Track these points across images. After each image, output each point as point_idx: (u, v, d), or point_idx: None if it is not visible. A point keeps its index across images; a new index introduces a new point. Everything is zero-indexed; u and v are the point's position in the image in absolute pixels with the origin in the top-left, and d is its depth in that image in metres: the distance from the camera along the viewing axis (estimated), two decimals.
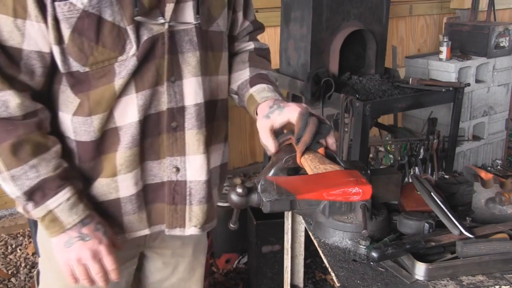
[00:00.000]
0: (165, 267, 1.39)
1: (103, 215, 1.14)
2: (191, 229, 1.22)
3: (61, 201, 1.04)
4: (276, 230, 2.36)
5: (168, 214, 1.20)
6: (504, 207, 1.23)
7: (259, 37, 1.41)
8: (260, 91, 1.22)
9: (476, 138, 3.85)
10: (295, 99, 2.99)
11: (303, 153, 1.13)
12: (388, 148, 3.32)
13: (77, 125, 1.08)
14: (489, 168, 3.89)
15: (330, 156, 1.13)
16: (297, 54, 2.72)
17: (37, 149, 1.02)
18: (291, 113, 1.12)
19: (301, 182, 1.04)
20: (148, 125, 1.11)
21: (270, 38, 3.45)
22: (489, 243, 1.02)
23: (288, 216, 1.46)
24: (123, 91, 1.06)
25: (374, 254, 0.98)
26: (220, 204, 2.73)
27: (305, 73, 2.62)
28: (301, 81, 2.66)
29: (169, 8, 1.05)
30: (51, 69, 1.05)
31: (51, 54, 1.03)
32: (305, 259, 1.55)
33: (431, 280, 0.98)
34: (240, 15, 1.31)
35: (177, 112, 1.12)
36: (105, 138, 1.09)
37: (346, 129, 2.46)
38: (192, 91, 1.12)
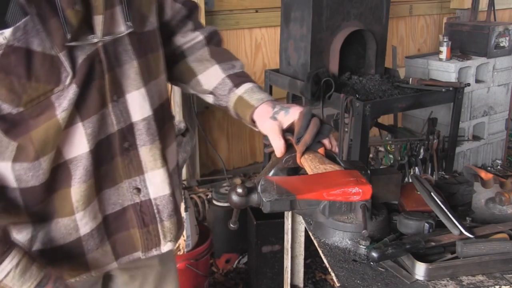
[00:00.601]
0: (133, 280, 1.29)
1: (64, 259, 1.05)
2: (167, 245, 1.16)
3: (9, 269, 0.90)
4: (276, 230, 2.36)
5: (141, 238, 1.12)
6: (504, 207, 1.23)
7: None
8: (250, 92, 1.16)
9: (476, 138, 3.85)
10: (295, 99, 2.99)
11: (303, 153, 1.13)
12: (388, 148, 3.32)
13: (22, 172, 0.95)
14: (489, 168, 3.89)
15: (330, 156, 1.13)
16: (297, 54, 2.72)
17: None
18: (297, 113, 1.10)
19: (301, 182, 1.04)
20: (100, 152, 1.02)
21: (270, 38, 3.45)
22: (489, 243, 1.02)
23: (288, 216, 1.46)
24: (68, 122, 0.94)
25: (374, 254, 0.98)
26: (220, 204, 2.74)
27: (305, 73, 2.62)
28: (301, 81, 2.66)
29: (98, 20, 0.94)
30: None
31: None
32: (305, 259, 1.55)
33: (431, 280, 0.98)
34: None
35: (127, 131, 1.04)
36: (55, 176, 0.98)
37: (346, 129, 2.46)
38: (136, 106, 1.04)
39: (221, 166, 3.40)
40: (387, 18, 2.79)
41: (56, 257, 1.05)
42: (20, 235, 1.02)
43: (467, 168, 1.33)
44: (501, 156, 4.02)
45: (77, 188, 1.00)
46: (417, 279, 0.98)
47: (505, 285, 0.97)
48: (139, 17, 1.04)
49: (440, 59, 3.55)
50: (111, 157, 1.04)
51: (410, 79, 2.73)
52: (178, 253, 2.29)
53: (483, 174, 1.27)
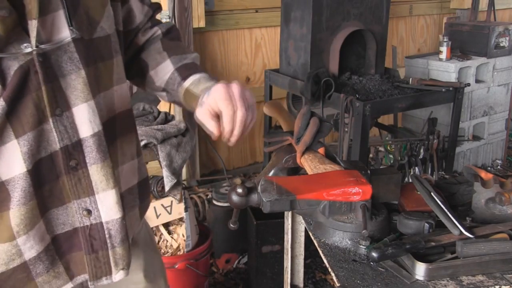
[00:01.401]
0: None
1: (8, 286, 0.95)
2: (119, 273, 1.05)
3: None
4: (276, 230, 2.36)
5: (89, 265, 1.01)
6: (504, 207, 1.23)
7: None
8: (197, 84, 1.07)
9: (476, 138, 3.85)
10: (295, 99, 2.99)
11: (303, 153, 1.13)
12: (388, 148, 3.32)
13: None
14: (489, 168, 3.89)
15: (330, 156, 1.13)
16: (297, 54, 2.72)
17: None
18: (214, 93, 0.98)
19: (301, 182, 1.04)
20: (41, 172, 0.91)
21: (270, 38, 3.45)
22: (489, 243, 1.02)
23: (288, 216, 1.46)
24: (1, 139, 0.86)
25: (374, 254, 0.98)
26: (220, 204, 2.74)
27: (305, 73, 2.62)
28: (301, 81, 2.66)
29: (32, 26, 0.83)
30: None
31: None
32: (305, 259, 1.55)
33: (431, 280, 0.98)
34: (134, 1, 1.12)
35: (73, 149, 0.93)
36: None
37: (346, 129, 2.46)
38: (85, 120, 0.93)
39: (221, 166, 3.40)
40: (387, 18, 2.79)
41: (1, 286, 0.96)
42: None
43: (467, 168, 1.33)
44: (501, 156, 4.02)
45: (16, 212, 0.90)
46: (417, 279, 0.98)
47: (505, 285, 0.97)
48: (87, 22, 0.94)
49: (440, 59, 3.55)
50: (56, 177, 0.94)
51: (410, 79, 2.73)
52: (178, 253, 2.29)
53: (483, 174, 1.27)
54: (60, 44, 0.88)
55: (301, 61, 2.70)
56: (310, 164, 1.10)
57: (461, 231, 1.05)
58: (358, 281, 0.98)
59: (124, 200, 1.05)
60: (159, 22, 1.22)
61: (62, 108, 0.90)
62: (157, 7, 1.22)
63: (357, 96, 2.49)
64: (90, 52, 0.94)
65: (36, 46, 0.84)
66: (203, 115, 1.00)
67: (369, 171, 1.10)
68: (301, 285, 1.58)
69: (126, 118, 1.08)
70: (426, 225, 1.08)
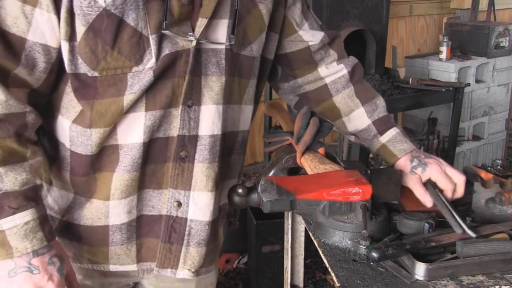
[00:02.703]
0: None
1: (87, 241, 1.04)
2: (183, 271, 1.09)
3: (17, 223, 0.88)
4: (276, 230, 2.36)
5: (161, 252, 1.06)
6: (504, 207, 1.23)
7: None
8: (394, 142, 1.20)
9: (476, 138, 3.85)
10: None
11: (303, 153, 1.13)
12: None
13: (75, 134, 0.97)
14: (489, 168, 3.89)
15: (330, 156, 1.13)
16: None
17: (9, 157, 0.88)
18: (433, 172, 1.13)
19: (301, 182, 1.04)
20: (154, 150, 0.99)
21: None
22: (489, 243, 1.02)
23: (288, 216, 1.46)
24: (132, 107, 0.94)
25: (374, 254, 0.98)
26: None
27: None
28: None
29: (201, 23, 0.94)
30: (56, 67, 0.94)
31: (59, 50, 0.91)
32: (305, 259, 1.55)
33: (431, 280, 0.98)
34: (303, 30, 1.18)
35: (189, 141, 1.00)
36: (103, 155, 0.98)
37: None
38: (209, 120, 1.00)
39: None
40: (387, 18, 2.79)
41: (80, 236, 1.04)
42: (59, 203, 1.04)
43: (467, 168, 1.33)
44: (501, 156, 4.02)
45: (120, 175, 0.98)
46: (417, 279, 0.98)
47: (505, 285, 0.97)
48: (242, 38, 1.02)
49: (440, 59, 3.55)
50: (164, 160, 1.00)
51: (410, 79, 2.73)
52: None
53: (483, 174, 1.27)
54: (215, 46, 0.97)
55: None
56: (310, 164, 1.10)
57: (464, 229, 1.05)
58: (358, 281, 0.98)
59: (220, 212, 1.11)
60: (344, 56, 1.26)
61: (194, 101, 0.98)
62: (335, 35, 1.25)
63: None
64: (234, 65, 1.02)
65: (197, 39, 0.94)
66: (416, 184, 1.14)
67: (369, 171, 1.10)
68: (301, 285, 1.58)
69: (245, 138, 1.15)
70: (426, 225, 1.08)
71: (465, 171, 1.26)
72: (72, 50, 0.90)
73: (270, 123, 2.98)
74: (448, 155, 2.85)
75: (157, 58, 0.91)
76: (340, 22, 2.63)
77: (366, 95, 1.24)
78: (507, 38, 3.65)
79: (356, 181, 1.00)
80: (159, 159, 1.00)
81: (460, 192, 1.15)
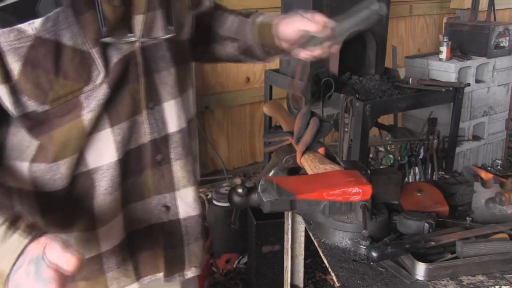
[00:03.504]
0: None
1: (79, 277, 0.96)
2: (191, 270, 1.08)
3: None
4: (276, 230, 2.36)
5: (165, 261, 1.03)
6: (504, 207, 1.23)
7: None
8: (267, 17, 1.15)
9: (476, 138, 3.85)
10: (295, 99, 2.99)
11: (303, 153, 1.13)
12: (388, 148, 3.32)
13: (39, 174, 0.88)
14: (489, 168, 3.89)
15: (330, 156, 1.13)
16: None
17: None
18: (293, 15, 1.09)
19: (301, 182, 1.04)
20: (129, 163, 0.94)
21: None
22: (489, 243, 1.02)
23: (288, 216, 1.46)
24: (95, 126, 0.88)
25: (374, 254, 0.98)
26: (220, 204, 2.74)
27: None
28: (301, 81, 2.66)
29: (138, 20, 0.89)
30: None
31: None
32: (305, 259, 1.55)
33: (431, 280, 0.98)
34: (206, 2, 1.18)
35: (161, 143, 0.97)
36: (76, 185, 0.91)
37: (346, 129, 2.46)
38: (174, 116, 0.97)
39: (221, 166, 3.40)
40: (387, 18, 2.79)
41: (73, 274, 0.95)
42: None
43: (467, 168, 1.33)
44: (501, 156, 4.02)
45: (101, 201, 0.92)
46: (417, 279, 0.98)
47: (505, 285, 0.97)
48: (177, 24, 0.99)
49: (440, 59, 3.55)
50: (140, 170, 0.97)
51: (410, 79, 2.73)
52: None
53: (483, 174, 1.27)
54: (159, 40, 0.93)
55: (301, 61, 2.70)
56: (310, 164, 1.10)
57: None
58: (358, 281, 0.98)
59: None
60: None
61: (155, 101, 0.94)
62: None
63: (357, 96, 2.49)
64: (178, 52, 0.99)
65: (141, 39, 0.89)
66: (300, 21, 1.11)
67: (369, 171, 1.10)
68: (301, 285, 1.58)
69: (195, 121, 1.11)
70: (426, 225, 1.08)
71: (465, 171, 1.26)
72: (13, 92, 0.82)
73: (270, 123, 2.98)
74: (448, 155, 2.85)
75: (107, 70, 0.86)
76: None
77: (235, 11, 1.22)
78: (507, 38, 3.65)
79: (356, 181, 1.00)
80: (136, 171, 0.96)
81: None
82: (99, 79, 0.85)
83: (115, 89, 0.88)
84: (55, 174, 0.89)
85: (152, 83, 0.93)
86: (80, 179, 0.91)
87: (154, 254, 1.03)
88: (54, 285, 0.71)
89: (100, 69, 0.85)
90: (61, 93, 0.83)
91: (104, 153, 0.90)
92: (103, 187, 0.92)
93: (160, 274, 1.05)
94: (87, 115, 0.86)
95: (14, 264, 0.73)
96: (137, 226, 1.00)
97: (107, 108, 0.88)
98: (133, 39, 0.88)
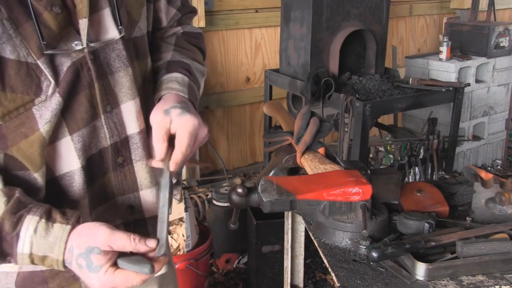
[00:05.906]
0: None
1: (53, 285, 0.95)
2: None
3: (29, 239, 0.80)
4: (276, 230, 2.36)
5: None
6: (504, 207, 1.23)
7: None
8: (170, 81, 1.01)
9: (476, 138, 3.85)
10: (295, 99, 2.99)
11: (303, 153, 1.13)
12: (388, 148, 3.32)
13: (16, 182, 0.86)
14: (489, 168, 3.89)
15: (330, 156, 1.13)
16: (297, 54, 2.72)
17: None
18: (188, 123, 0.91)
19: (301, 182, 1.04)
20: (93, 168, 0.93)
21: (270, 38, 3.45)
22: (489, 243, 1.02)
23: (288, 216, 1.46)
24: (55, 135, 0.86)
25: (374, 254, 0.98)
26: (220, 204, 2.74)
27: (305, 73, 2.62)
28: (301, 81, 2.66)
29: (83, 25, 0.85)
30: None
31: None
32: (305, 259, 1.55)
33: (431, 280, 0.98)
34: (162, 3, 1.10)
35: (122, 145, 0.96)
36: (48, 192, 0.90)
37: (346, 129, 2.46)
38: (133, 117, 0.95)
39: (221, 166, 3.40)
40: (387, 18, 2.79)
41: (46, 281, 0.96)
42: None
43: (467, 168, 1.33)
44: (501, 156, 4.02)
45: (72, 207, 0.90)
46: (417, 279, 0.98)
47: (505, 285, 0.97)
48: (129, 21, 0.96)
49: (440, 59, 3.55)
50: (103, 173, 0.96)
51: (410, 79, 2.73)
52: (178, 253, 2.29)
53: (483, 174, 1.27)
54: (109, 42, 0.90)
55: (301, 61, 2.70)
56: (310, 164, 1.10)
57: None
58: (358, 281, 0.98)
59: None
60: (186, 24, 1.17)
61: (112, 105, 0.93)
62: (189, 11, 1.17)
63: (357, 96, 2.49)
64: (132, 50, 0.96)
65: (87, 44, 0.86)
66: (159, 132, 0.91)
67: (369, 171, 1.10)
68: (301, 285, 1.58)
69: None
70: (426, 225, 1.08)
71: (465, 171, 1.26)
72: None
73: (270, 123, 2.98)
74: (448, 155, 2.85)
75: (57, 80, 0.84)
76: (340, 22, 2.63)
77: (184, 50, 1.11)
78: (507, 38, 3.65)
79: (356, 181, 1.00)
80: (99, 175, 0.96)
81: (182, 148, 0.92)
82: (50, 90, 0.83)
83: (69, 97, 0.86)
84: (32, 181, 0.87)
85: (107, 86, 0.91)
86: (51, 185, 0.90)
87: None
88: (104, 269, 0.79)
89: (49, 79, 0.83)
90: (10, 107, 0.81)
91: (67, 160, 0.90)
92: (71, 193, 0.91)
93: None
94: (44, 127, 0.84)
95: (64, 250, 0.81)
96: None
97: (65, 116, 0.87)
98: (79, 47, 0.85)
